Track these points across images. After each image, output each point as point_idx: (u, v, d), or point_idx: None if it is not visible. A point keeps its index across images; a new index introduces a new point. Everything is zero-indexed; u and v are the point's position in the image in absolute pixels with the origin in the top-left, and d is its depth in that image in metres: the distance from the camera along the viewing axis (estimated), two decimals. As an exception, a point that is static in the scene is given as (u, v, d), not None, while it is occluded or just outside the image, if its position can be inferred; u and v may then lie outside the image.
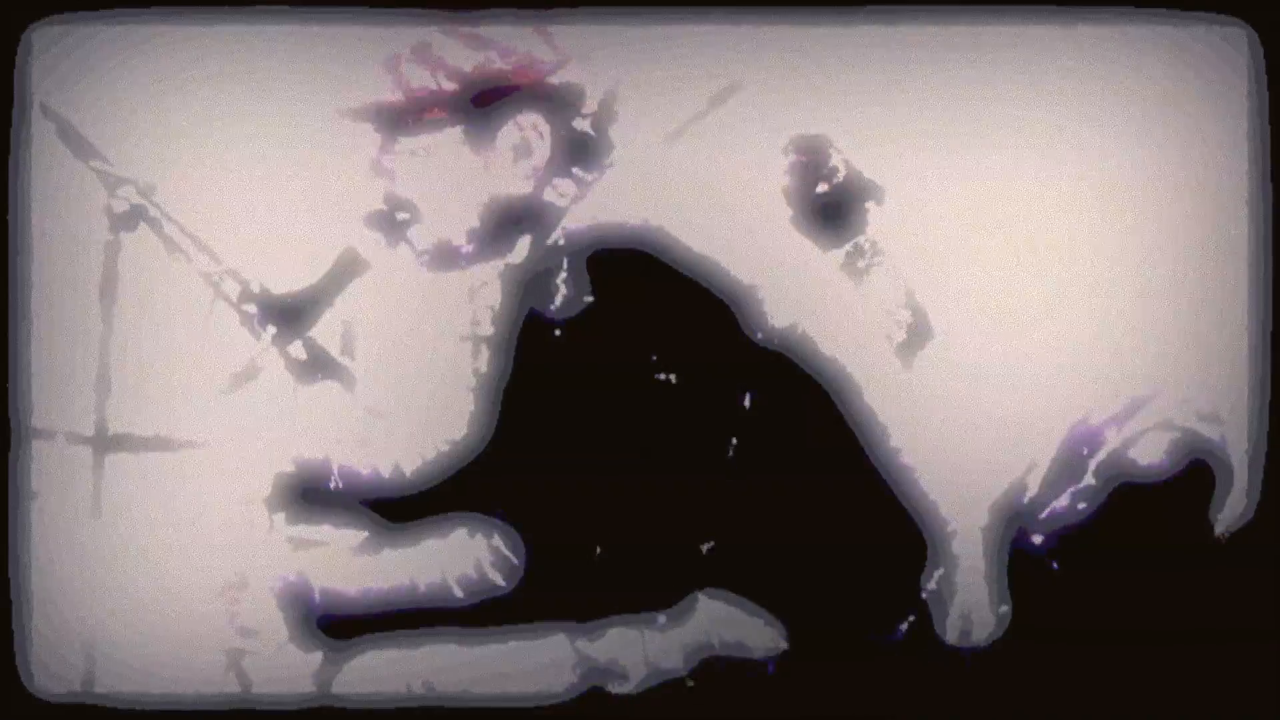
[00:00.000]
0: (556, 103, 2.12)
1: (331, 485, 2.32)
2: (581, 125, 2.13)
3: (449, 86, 2.07)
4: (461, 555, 2.02)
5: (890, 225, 2.78)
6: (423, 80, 2.07)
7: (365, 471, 2.30)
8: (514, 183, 2.13)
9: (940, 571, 2.08)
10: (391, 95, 2.07)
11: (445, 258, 2.16)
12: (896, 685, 2.11)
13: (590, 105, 2.12)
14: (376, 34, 2.29)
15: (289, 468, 2.33)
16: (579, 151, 2.13)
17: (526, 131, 2.12)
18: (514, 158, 2.12)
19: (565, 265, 2.00)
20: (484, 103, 2.09)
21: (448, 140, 2.11)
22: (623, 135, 2.17)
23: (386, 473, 2.29)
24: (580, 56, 2.12)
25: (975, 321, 2.75)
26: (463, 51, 2.08)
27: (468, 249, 2.15)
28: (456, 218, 2.13)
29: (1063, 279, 2.81)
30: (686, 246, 1.94)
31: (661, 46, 2.64)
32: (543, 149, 2.12)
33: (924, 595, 2.03)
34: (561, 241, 2.04)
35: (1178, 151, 2.81)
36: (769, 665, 1.99)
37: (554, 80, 2.11)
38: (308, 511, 2.30)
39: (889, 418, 1.98)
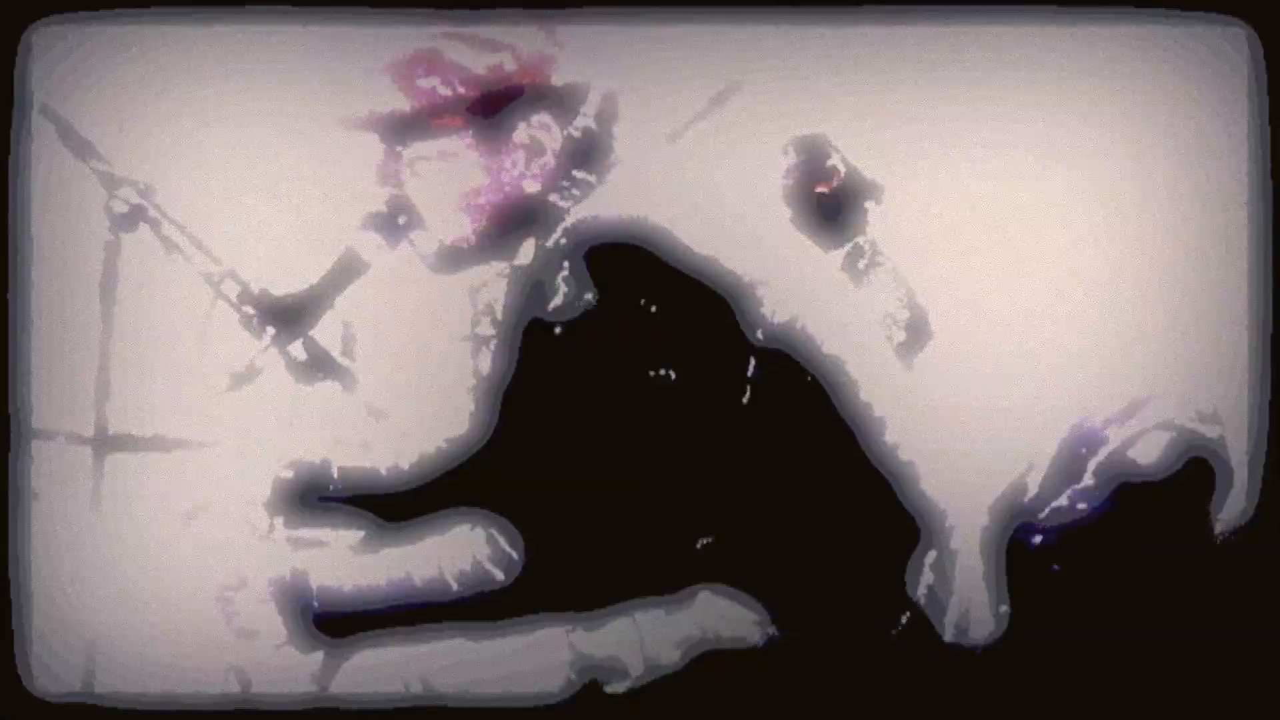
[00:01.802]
0: (562, 102, 2.12)
1: (331, 487, 2.32)
2: (585, 124, 2.13)
3: (463, 91, 2.07)
4: (460, 551, 2.02)
5: (890, 225, 2.78)
6: (434, 87, 2.07)
7: (364, 472, 2.30)
8: (525, 183, 2.13)
9: (937, 570, 2.08)
10: (402, 105, 2.06)
11: (450, 260, 2.16)
12: (895, 684, 2.11)
13: (593, 103, 2.12)
14: (378, 34, 2.29)
15: (288, 473, 2.33)
16: (583, 152, 2.13)
17: (536, 131, 2.12)
18: (526, 158, 2.11)
19: (565, 265, 2.00)
20: (496, 106, 2.09)
21: (457, 146, 2.11)
22: (624, 136, 2.17)
23: (385, 471, 2.29)
24: (583, 52, 2.12)
25: (975, 321, 2.75)
26: (474, 55, 2.08)
27: (473, 252, 2.15)
28: (463, 221, 2.13)
29: (1062, 279, 2.81)
30: (686, 246, 1.93)
31: (662, 46, 2.64)
32: (554, 147, 2.12)
33: (920, 594, 2.03)
34: (563, 241, 2.04)
35: (1178, 151, 2.81)
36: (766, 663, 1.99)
37: (558, 79, 2.11)
38: (307, 515, 2.30)
39: (888, 415, 1.98)
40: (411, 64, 2.06)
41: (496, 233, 2.10)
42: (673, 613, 1.97)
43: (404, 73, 2.06)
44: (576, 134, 2.11)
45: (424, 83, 2.06)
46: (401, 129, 2.07)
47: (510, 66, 2.06)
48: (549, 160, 2.10)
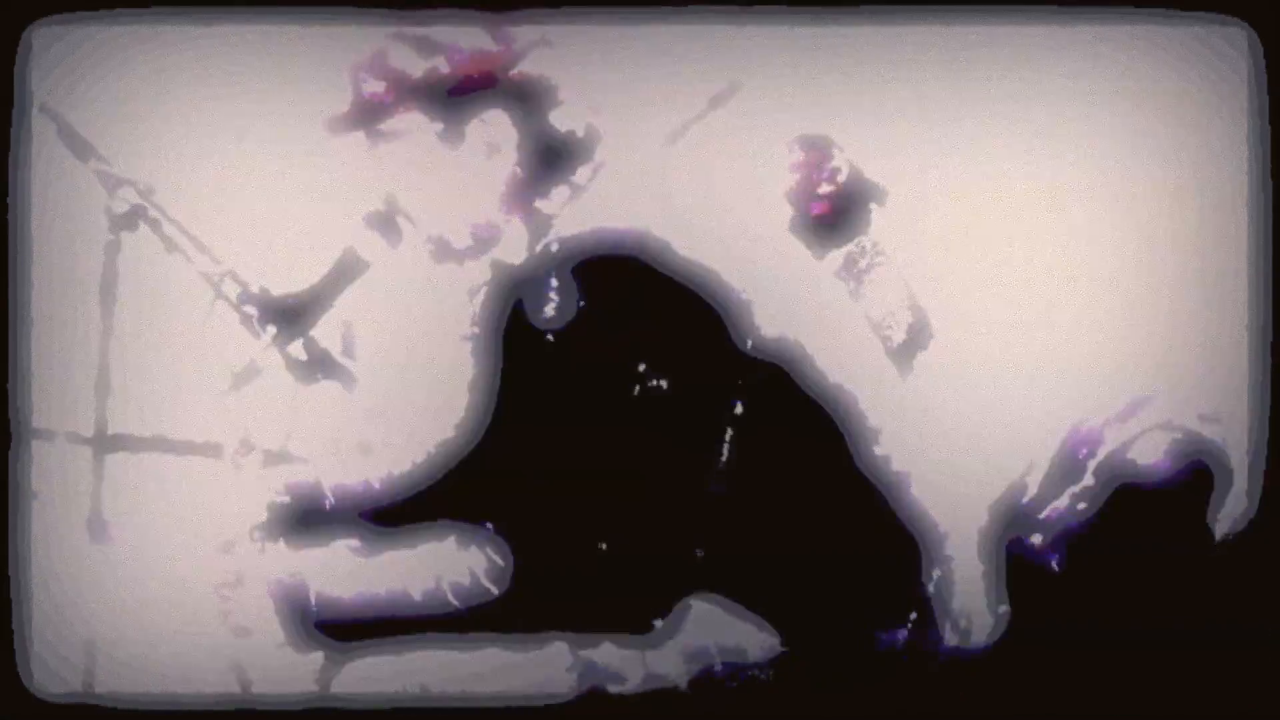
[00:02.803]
0: (520, 98, 2.12)
1: (326, 505, 2.33)
2: (561, 124, 2.13)
3: (394, 94, 2.09)
4: (454, 563, 2.03)
5: (891, 225, 2.78)
6: (375, 89, 2.08)
7: (358, 485, 2.31)
8: (491, 176, 2.13)
9: (937, 573, 2.08)
10: (347, 105, 2.08)
11: (439, 253, 2.17)
12: (895, 686, 2.11)
13: (573, 104, 2.13)
14: (378, 34, 2.29)
15: (284, 498, 2.33)
16: (562, 154, 2.13)
17: (491, 127, 2.13)
18: (486, 153, 2.13)
19: (554, 273, 2.01)
20: (454, 99, 2.10)
21: (425, 140, 2.12)
22: (620, 138, 2.17)
23: (379, 484, 2.30)
24: (540, 46, 2.12)
25: (976, 322, 2.75)
26: (412, 58, 2.09)
27: (460, 243, 2.15)
28: (445, 211, 2.13)
29: (1063, 279, 2.81)
30: (680, 254, 1.94)
31: (662, 47, 2.64)
32: (510, 145, 2.13)
33: (922, 595, 2.03)
34: (554, 248, 2.04)
35: (1178, 151, 2.81)
36: (765, 670, 1.99)
37: (512, 75, 2.11)
38: (303, 537, 2.30)
39: (884, 420, 1.98)
40: (360, 65, 2.08)
41: (477, 222, 2.11)
42: (670, 623, 1.97)
43: (353, 73, 2.08)
44: (546, 132, 2.11)
45: (365, 83, 2.07)
46: (371, 125, 2.08)
47: (445, 70, 2.07)
48: (506, 157, 2.10)
